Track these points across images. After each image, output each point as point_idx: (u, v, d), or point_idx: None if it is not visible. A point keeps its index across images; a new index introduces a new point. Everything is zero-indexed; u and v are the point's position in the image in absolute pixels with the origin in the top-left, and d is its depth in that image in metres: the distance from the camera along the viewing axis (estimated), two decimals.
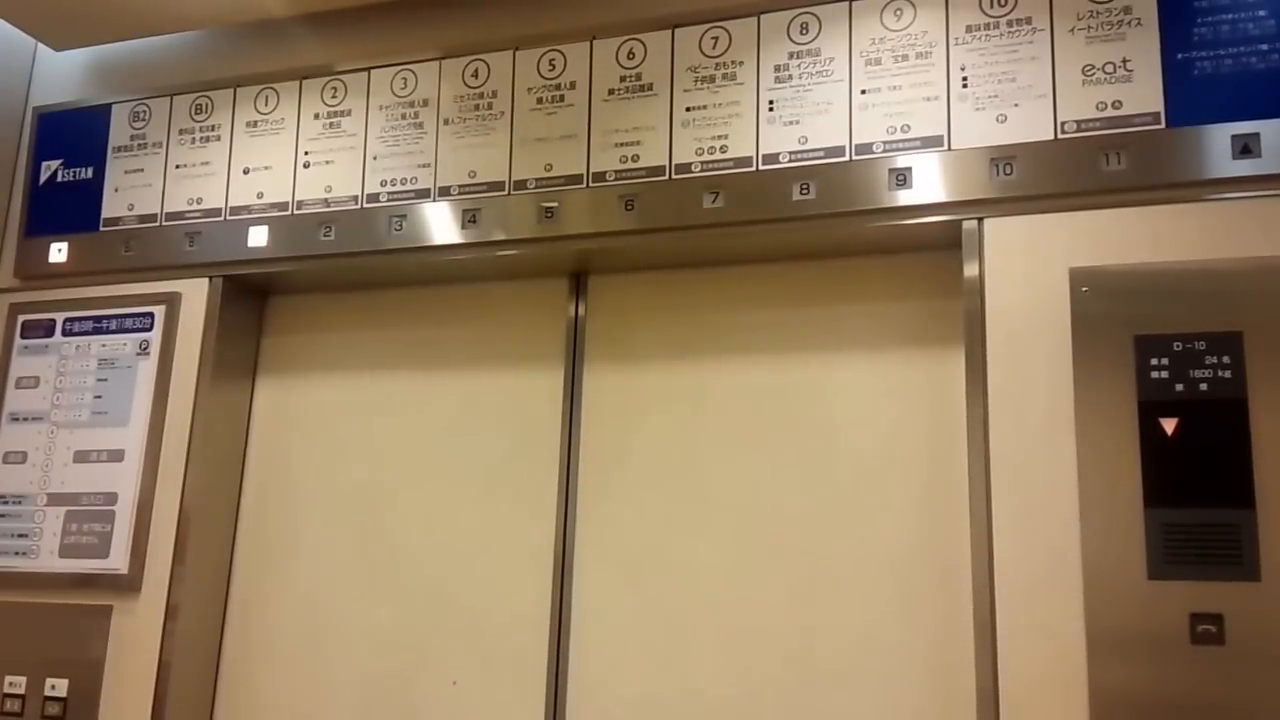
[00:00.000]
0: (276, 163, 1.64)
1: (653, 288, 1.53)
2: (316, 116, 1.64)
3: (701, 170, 1.40)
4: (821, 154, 1.35)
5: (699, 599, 1.40)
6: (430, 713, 1.51)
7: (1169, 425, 1.09)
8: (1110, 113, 1.22)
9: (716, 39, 1.43)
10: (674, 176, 1.42)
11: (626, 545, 1.46)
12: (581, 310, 1.56)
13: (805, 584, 1.35)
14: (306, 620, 1.61)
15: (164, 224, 1.69)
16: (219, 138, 1.69)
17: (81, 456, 1.65)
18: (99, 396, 1.67)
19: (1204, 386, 1.09)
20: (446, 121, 1.56)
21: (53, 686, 1.55)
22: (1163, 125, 1.19)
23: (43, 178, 1.79)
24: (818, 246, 1.41)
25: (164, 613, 1.53)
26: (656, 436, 1.48)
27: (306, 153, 1.63)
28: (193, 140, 1.71)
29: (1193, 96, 1.19)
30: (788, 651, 1.34)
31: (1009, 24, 1.28)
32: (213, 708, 1.61)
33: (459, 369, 1.61)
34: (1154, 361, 1.12)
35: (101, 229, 1.73)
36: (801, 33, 1.39)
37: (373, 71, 1.61)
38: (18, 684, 1.57)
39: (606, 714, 1.42)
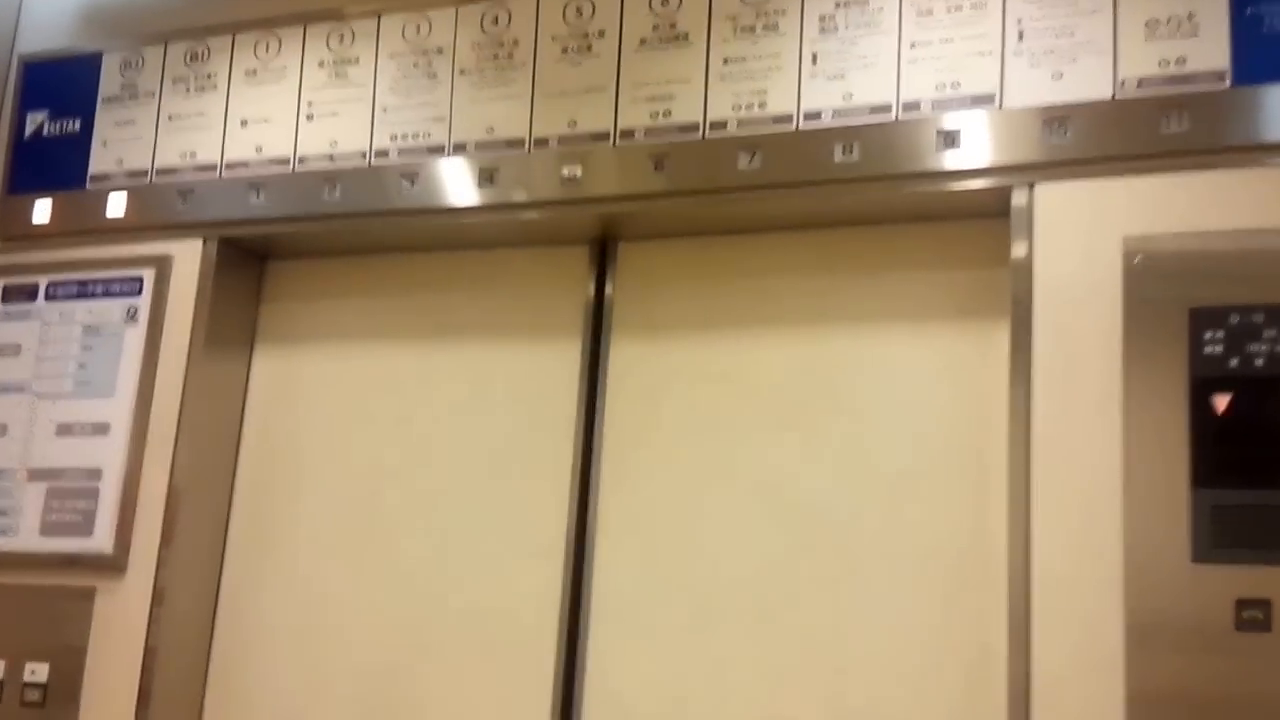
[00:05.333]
0: (277, 115, 1.84)
1: (684, 255, 1.70)
2: (321, 65, 1.83)
3: (738, 128, 1.57)
4: (866, 112, 1.52)
5: (727, 586, 1.57)
6: (432, 705, 1.70)
7: (1221, 402, 1.25)
8: (1173, 70, 1.38)
9: None
10: (708, 135, 1.59)
11: (651, 531, 1.63)
12: (606, 279, 1.74)
13: (838, 571, 1.52)
14: (303, 607, 1.80)
15: (155, 180, 1.90)
16: (215, 86, 1.89)
17: (64, 430, 1.86)
18: (83, 366, 1.88)
19: (1260, 361, 1.25)
20: (463, 72, 1.74)
21: (32, 672, 1.77)
22: (1228, 84, 1.35)
23: (28, 130, 2.02)
24: (859, 212, 1.58)
25: (150, 596, 1.74)
26: (686, 414, 1.64)
27: (310, 104, 1.82)
28: (187, 89, 1.91)
29: (1261, 54, 1.34)
30: (818, 641, 1.51)
31: None
32: (203, 697, 1.82)
33: (472, 341, 1.80)
34: (1208, 335, 1.27)
35: (89, 185, 1.94)
36: None
37: (383, 17, 1.80)
38: None
39: (626, 706, 1.60)
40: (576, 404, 1.70)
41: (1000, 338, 1.44)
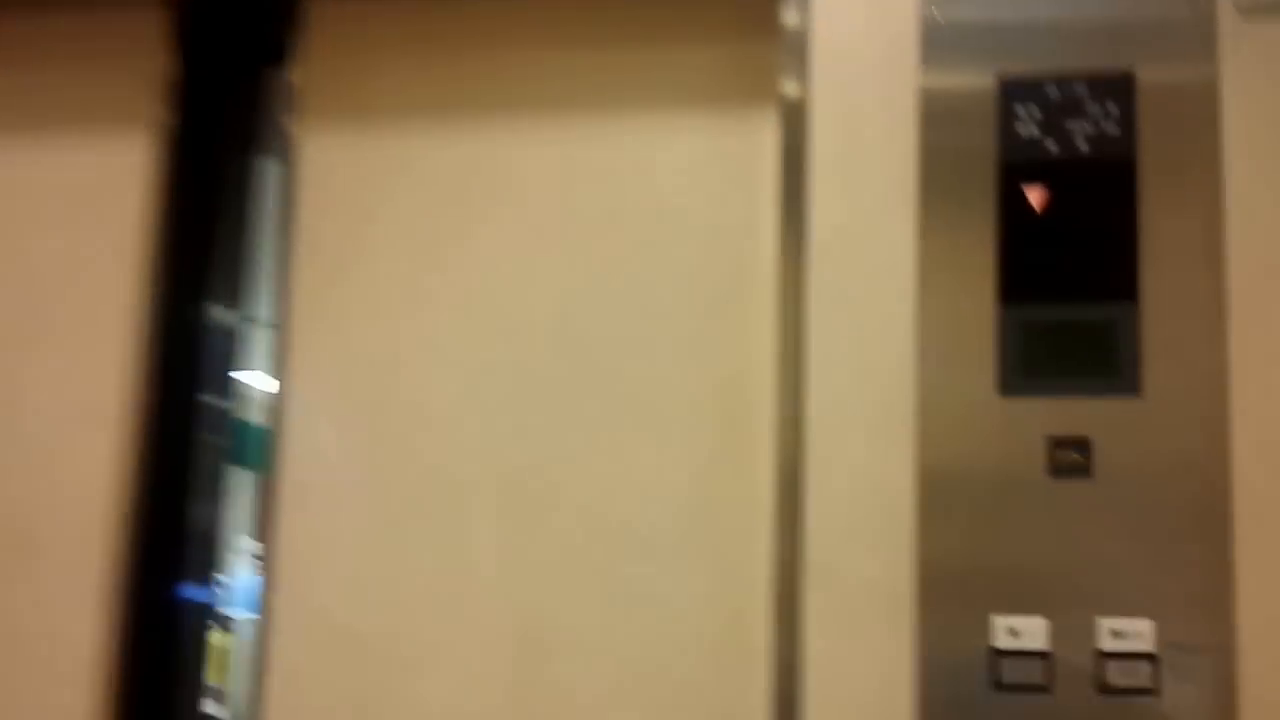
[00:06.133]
0: None
1: (391, 21, 1.45)
2: None
3: None
4: None
5: (455, 451, 1.36)
6: None
7: (1036, 195, 1.08)
8: None
9: None
10: None
11: (351, 384, 1.41)
12: (286, 50, 1.48)
13: (589, 423, 1.34)
14: None
15: None
16: None
17: None
18: None
19: (1083, 145, 1.08)
20: None
21: None
22: None
23: None
24: None
25: None
26: (393, 232, 1.42)
27: None
28: None
29: None
30: (564, 512, 1.33)
31: None
32: None
33: (24, 132, 1.52)
34: (1020, 111, 1.09)
35: None
36: None
37: None
38: None
39: (317, 611, 1.37)
40: (151, 217, 1.46)
41: (771, 124, 1.25)
